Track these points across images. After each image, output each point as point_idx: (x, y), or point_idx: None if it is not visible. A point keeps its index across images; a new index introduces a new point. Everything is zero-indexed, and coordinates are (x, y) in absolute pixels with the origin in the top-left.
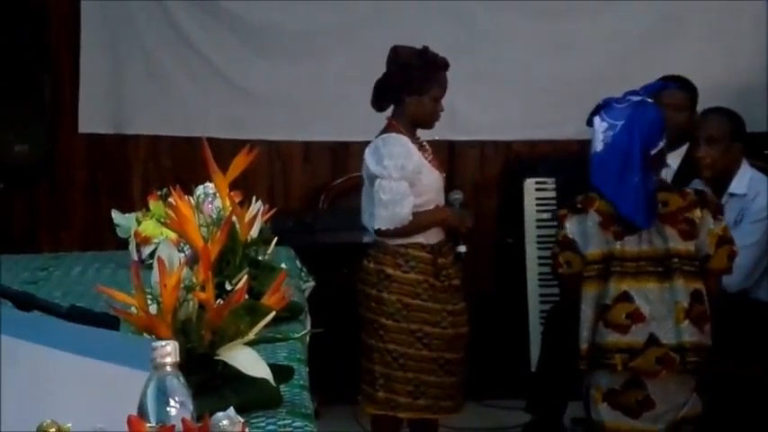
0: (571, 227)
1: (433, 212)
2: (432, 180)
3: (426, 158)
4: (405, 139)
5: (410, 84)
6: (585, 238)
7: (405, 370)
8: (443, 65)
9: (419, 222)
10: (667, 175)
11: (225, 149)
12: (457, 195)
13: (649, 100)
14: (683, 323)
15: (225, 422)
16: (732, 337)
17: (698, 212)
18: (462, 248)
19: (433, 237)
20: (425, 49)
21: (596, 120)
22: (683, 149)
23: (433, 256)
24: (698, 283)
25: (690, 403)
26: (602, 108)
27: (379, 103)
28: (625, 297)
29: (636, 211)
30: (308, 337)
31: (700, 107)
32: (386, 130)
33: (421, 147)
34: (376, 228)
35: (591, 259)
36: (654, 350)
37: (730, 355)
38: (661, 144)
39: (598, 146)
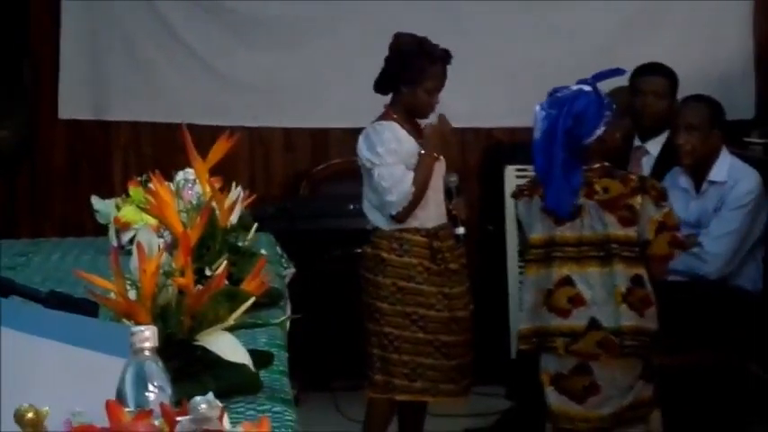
0: (521, 208)
1: (420, 165)
2: None
3: (422, 144)
4: (395, 126)
5: (405, 73)
6: (531, 222)
7: (400, 353)
8: (441, 57)
9: (417, 184)
10: (648, 162)
11: (205, 136)
12: (452, 179)
13: (587, 88)
14: (621, 307)
15: (203, 406)
16: (712, 325)
17: (638, 199)
18: (461, 230)
19: (430, 221)
20: (424, 39)
21: (537, 108)
22: (664, 136)
23: (428, 239)
24: (639, 268)
25: (636, 389)
26: (548, 97)
27: (378, 87)
28: (567, 281)
29: (553, 200)
30: (288, 324)
31: (682, 94)
32: (381, 117)
33: (418, 132)
34: (393, 215)
35: (533, 243)
36: (594, 334)
37: (710, 342)
38: (598, 132)
39: (537, 134)
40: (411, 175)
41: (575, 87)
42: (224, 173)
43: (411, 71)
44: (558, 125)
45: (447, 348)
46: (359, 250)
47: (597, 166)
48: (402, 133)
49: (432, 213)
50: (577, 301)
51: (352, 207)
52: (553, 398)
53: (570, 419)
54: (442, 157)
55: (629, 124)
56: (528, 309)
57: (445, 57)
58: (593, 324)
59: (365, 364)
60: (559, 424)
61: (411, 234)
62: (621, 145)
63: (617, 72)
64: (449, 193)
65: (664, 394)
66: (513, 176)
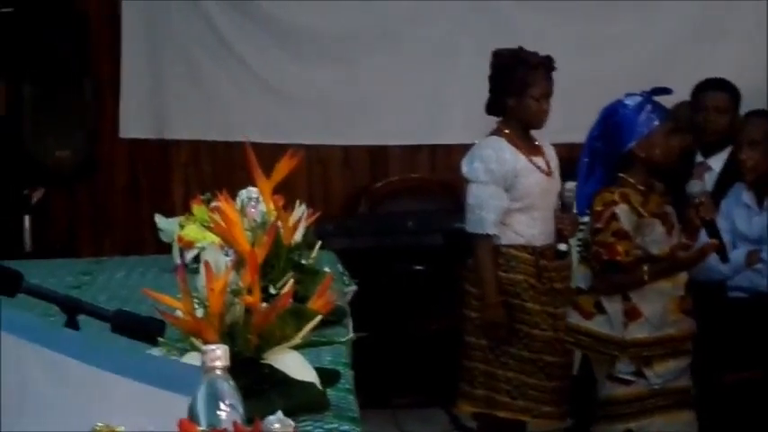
0: None
1: (492, 281)
2: (533, 183)
3: (535, 162)
4: (501, 143)
5: (509, 86)
6: None
7: (505, 369)
8: (540, 63)
9: (486, 267)
10: (710, 178)
11: (265, 154)
12: (569, 192)
13: (628, 101)
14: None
15: (277, 426)
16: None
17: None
18: (563, 247)
19: (537, 239)
20: (520, 49)
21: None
22: (726, 152)
23: (535, 257)
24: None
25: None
26: None
27: (490, 110)
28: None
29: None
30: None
31: (742, 110)
32: (492, 132)
33: (533, 149)
34: (468, 231)
35: None
36: None
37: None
38: (631, 145)
39: None
40: (499, 203)
41: (624, 99)
42: (283, 191)
43: (514, 82)
44: (590, 133)
45: (550, 369)
46: (420, 267)
47: (621, 176)
48: (507, 152)
49: (539, 231)
50: None
51: (411, 224)
52: None
53: None
54: (556, 174)
55: (687, 140)
56: None
57: (546, 62)
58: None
59: (461, 377)
60: None
61: (517, 251)
62: (664, 161)
63: (664, 91)
64: (564, 208)
65: (725, 410)
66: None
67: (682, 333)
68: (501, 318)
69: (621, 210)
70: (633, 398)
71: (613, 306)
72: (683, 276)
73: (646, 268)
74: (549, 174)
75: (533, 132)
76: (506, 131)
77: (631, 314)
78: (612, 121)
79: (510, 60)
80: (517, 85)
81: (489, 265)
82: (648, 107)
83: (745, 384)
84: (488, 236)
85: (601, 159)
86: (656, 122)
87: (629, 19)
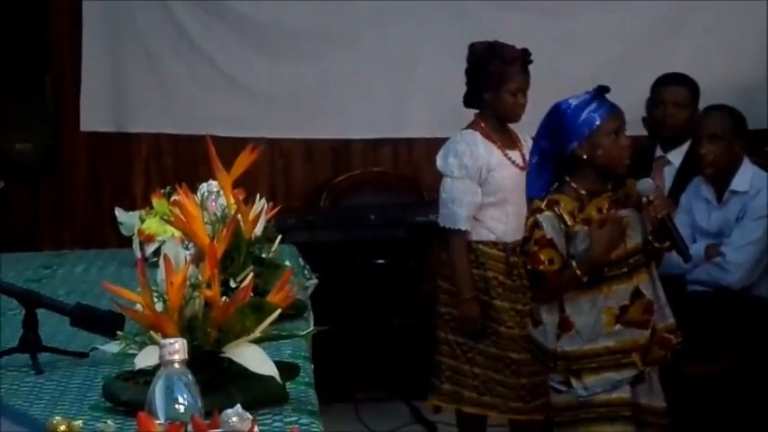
0: None
1: (466, 277)
2: (506, 177)
3: (510, 156)
4: (475, 137)
5: (485, 80)
6: None
7: (472, 365)
8: (515, 57)
9: (460, 262)
10: (670, 172)
11: (226, 147)
12: None
13: (572, 100)
14: None
15: (234, 419)
16: (735, 335)
17: None
18: None
19: (509, 235)
20: (496, 43)
21: None
22: (686, 147)
23: (505, 254)
24: None
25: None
26: None
27: (466, 102)
28: None
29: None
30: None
31: (701, 104)
32: (469, 125)
33: (510, 143)
34: (441, 227)
35: None
36: None
37: (730, 353)
38: (573, 146)
39: None
40: (472, 198)
41: (570, 97)
42: (245, 184)
43: (489, 76)
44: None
45: (517, 366)
46: (381, 261)
47: (566, 179)
48: (481, 146)
49: (512, 227)
50: None
51: (373, 218)
52: None
53: None
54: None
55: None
56: None
57: (522, 56)
58: None
59: (431, 371)
60: None
61: (488, 247)
62: (608, 162)
63: (606, 89)
64: None
65: (686, 403)
66: None
67: (623, 345)
68: (474, 313)
69: (545, 217)
70: (565, 407)
71: (549, 317)
72: (620, 288)
73: (574, 264)
74: (523, 168)
75: (513, 126)
76: (482, 125)
77: (564, 325)
78: (555, 121)
79: (485, 54)
80: (493, 80)
81: (463, 260)
82: (592, 105)
83: (705, 378)
84: (461, 231)
85: (548, 160)
86: (597, 122)
87: (596, 14)
